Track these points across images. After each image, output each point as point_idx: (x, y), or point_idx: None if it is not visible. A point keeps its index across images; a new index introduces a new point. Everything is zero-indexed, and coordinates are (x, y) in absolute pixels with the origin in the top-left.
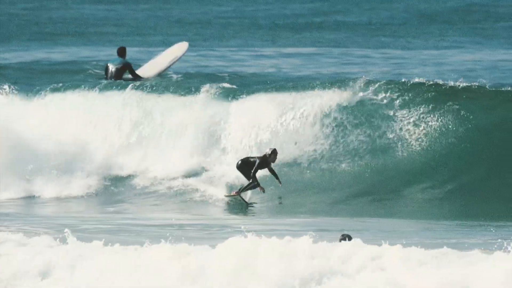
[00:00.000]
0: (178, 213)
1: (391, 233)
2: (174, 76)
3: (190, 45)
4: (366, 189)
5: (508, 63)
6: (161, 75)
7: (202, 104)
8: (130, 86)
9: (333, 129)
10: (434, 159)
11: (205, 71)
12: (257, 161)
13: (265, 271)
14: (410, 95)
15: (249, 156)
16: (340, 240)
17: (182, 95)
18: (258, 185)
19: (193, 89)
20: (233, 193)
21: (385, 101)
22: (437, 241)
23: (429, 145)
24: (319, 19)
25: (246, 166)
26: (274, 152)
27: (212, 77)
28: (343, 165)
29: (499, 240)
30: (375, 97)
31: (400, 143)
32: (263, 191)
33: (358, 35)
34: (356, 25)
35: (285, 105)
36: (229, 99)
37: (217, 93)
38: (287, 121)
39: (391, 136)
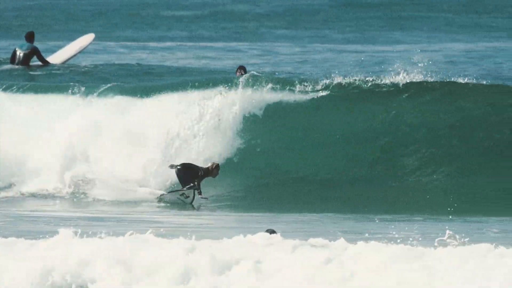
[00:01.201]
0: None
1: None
2: (83, 64)
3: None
4: (292, 184)
5: (432, 54)
6: (68, 63)
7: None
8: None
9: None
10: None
11: (117, 62)
12: (202, 173)
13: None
14: (324, 92)
15: (191, 163)
16: None
17: (67, 93)
18: (200, 193)
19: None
20: (166, 193)
21: (301, 97)
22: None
23: (353, 139)
24: (237, 7)
25: (187, 172)
26: (217, 168)
27: (119, 69)
28: (261, 164)
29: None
30: (287, 94)
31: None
32: (206, 198)
33: (272, 27)
34: (272, 16)
35: (176, 105)
36: (112, 97)
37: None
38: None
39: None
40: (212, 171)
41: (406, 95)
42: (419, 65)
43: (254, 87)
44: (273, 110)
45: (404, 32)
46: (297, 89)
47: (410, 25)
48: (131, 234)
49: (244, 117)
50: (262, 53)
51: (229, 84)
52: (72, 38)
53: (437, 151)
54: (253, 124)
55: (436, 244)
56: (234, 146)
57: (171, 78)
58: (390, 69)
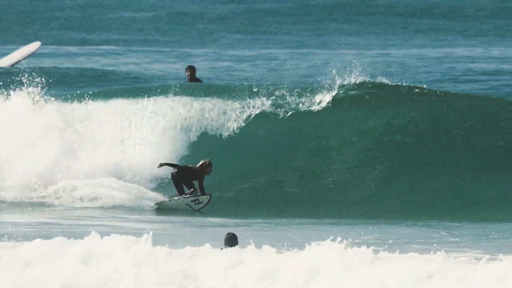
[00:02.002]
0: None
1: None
2: (25, 65)
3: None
4: (246, 190)
5: (385, 57)
6: (14, 66)
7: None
8: None
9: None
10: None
11: (68, 65)
12: (201, 174)
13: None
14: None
15: (185, 165)
16: (225, 240)
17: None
18: (204, 193)
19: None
20: (175, 198)
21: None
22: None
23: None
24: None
25: (185, 174)
26: (210, 165)
27: (66, 72)
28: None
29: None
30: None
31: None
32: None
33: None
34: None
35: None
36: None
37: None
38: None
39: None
40: (207, 169)
41: (355, 99)
42: (370, 68)
43: (202, 95)
44: (224, 116)
45: (360, 36)
46: (250, 95)
47: (365, 29)
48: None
49: (191, 125)
50: (217, 58)
51: (175, 90)
52: (26, 42)
53: (381, 155)
54: (202, 131)
55: (319, 245)
56: (184, 152)
57: (120, 83)
58: (341, 72)
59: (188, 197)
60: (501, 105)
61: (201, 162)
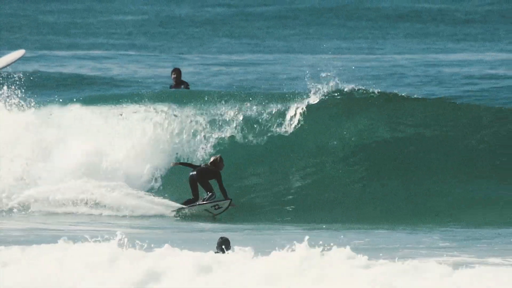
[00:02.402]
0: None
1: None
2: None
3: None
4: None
5: (374, 63)
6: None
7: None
8: None
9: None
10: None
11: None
12: (216, 171)
13: None
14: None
15: (201, 165)
16: (218, 244)
17: None
18: (227, 197)
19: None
20: (195, 204)
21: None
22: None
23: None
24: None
25: (205, 175)
26: (221, 160)
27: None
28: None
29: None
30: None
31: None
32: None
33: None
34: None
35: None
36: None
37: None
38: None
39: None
40: (219, 164)
41: (338, 105)
42: (355, 73)
43: (184, 101)
44: (207, 120)
45: (348, 40)
46: (228, 100)
47: (354, 33)
48: None
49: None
50: (205, 62)
51: (154, 98)
52: (14, 46)
53: (373, 158)
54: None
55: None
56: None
57: (107, 87)
58: (324, 77)
59: (207, 203)
60: (486, 109)
61: (212, 159)
